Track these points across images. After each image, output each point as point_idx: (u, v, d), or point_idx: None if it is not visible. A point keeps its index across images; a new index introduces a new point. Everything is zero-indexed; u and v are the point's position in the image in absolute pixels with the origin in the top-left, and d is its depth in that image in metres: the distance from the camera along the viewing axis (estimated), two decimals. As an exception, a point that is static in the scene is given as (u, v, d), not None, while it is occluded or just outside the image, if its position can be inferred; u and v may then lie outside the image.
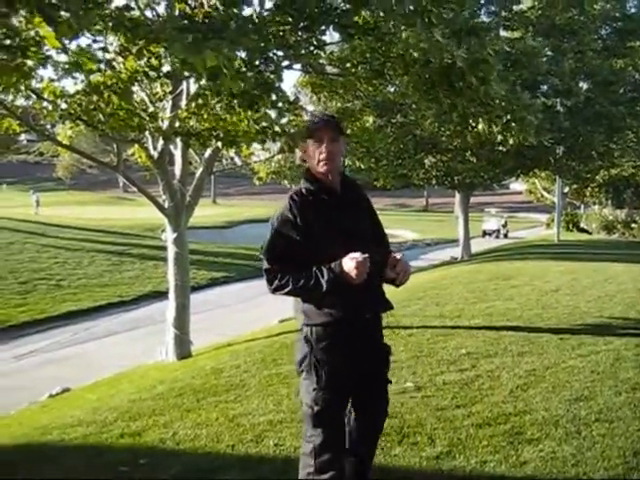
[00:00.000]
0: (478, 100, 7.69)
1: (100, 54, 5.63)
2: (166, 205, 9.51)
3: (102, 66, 5.84)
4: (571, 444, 4.22)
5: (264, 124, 7.27)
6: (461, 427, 4.55)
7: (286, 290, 2.98)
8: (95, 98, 6.38)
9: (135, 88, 7.79)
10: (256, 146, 10.47)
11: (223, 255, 23.90)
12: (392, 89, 14.67)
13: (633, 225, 28.46)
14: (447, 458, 4.06)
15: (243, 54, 6.72)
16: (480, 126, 9.17)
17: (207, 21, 5.56)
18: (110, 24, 5.01)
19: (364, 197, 3.30)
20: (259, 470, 4.04)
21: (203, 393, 5.87)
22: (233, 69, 5.61)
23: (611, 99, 21.49)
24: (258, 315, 13.44)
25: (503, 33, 20.92)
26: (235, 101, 6.69)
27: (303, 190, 3.05)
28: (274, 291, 3.03)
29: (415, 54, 7.24)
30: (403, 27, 7.32)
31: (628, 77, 22.63)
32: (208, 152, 9.85)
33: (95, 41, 5.48)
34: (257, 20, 6.24)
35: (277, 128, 7.66)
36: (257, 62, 6.48)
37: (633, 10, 25.23)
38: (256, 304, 15.67)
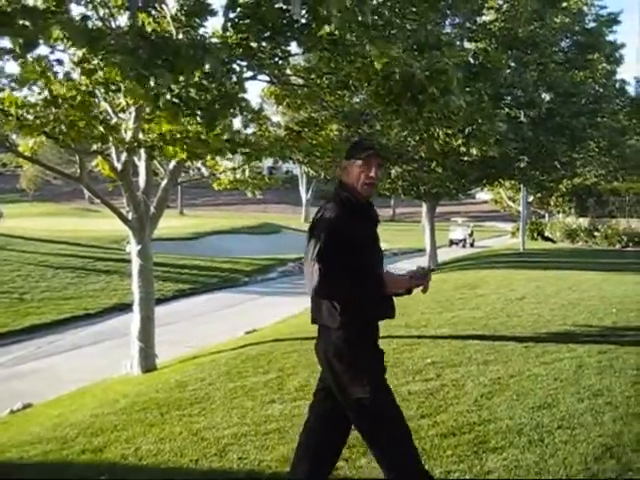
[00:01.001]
0: (439, 113, 7.74)
1: (58, 65, 5.56)
2: (130, 217, 9.41)
3: (59, 77, 5.75)
4: (534, 452, 4.25)
5: (226, 136, 7.24)
6: (426, 437, 4.55)
7: (340, 296, 3.21)
8: (54, 110, 6.28)
9: (97, 100, 7.71)
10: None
11: (190, 267, 23.71)
12: (358, 100, 14.76)
13: (596, 233, 28.91)
14: (411, 469, 4.05)
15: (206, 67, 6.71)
16: (442, 136, 9.24)
17: (161, 41, 5.51)
18: (67, 34, 4.93)
19: (379, 219, 3.57)
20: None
21: (167, 407, 5.80)
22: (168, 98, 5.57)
23: (572, 110, 21.88)
24: (224, 327, 13.35)
25: (467, 45, 21.18)
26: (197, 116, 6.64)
27: (346, 202, 3.30)
28: (327, 296, 3.23)
29: (377, 66, 7.26)
30: (365, 40, 7.35)
31: (588, 89, 23.05)
32: (172, 163, 9.77)
33: (53, 52, 5.40)
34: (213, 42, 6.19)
35: (239, 139, 7.63)
36: (219, 75, 6.43)
37: (592, 24, 25.71)
38: (222, 316, 15.59)
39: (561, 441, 4.43)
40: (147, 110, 7.89)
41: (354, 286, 3.18)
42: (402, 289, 3.29)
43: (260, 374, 6.77)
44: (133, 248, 9.61)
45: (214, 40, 7.33)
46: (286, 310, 14.43)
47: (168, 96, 5.85)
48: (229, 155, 9.00)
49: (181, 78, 6.04)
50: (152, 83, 5.13)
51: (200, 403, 5.83)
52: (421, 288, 3.35)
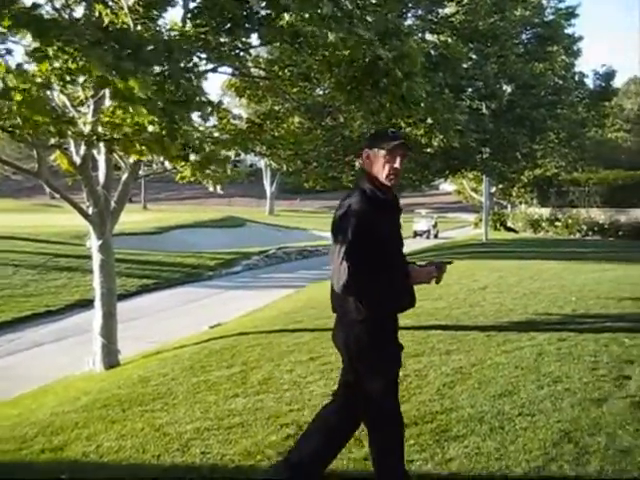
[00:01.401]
0: (401, 100, 7.76)
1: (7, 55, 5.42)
2: (90, 212, 9.27)
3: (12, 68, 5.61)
4: (495, 439, 4.32)
5: (186, 128, 7.15)
6: (388, 427, 4.57)
7: (369, 292, 3.18)
8: (7, 102, 6.14)
9: (53, 92, 7.57)
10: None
11: (153, 261, 23.46)
12: (320, 92, 14.74)
13: (557, 223, 29.37)
14: (374, 459, 4.08)
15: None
16: (404, 127, 9.28)
17: (122, 35, 5.42)
18: (15, 22, 4.80)
19: (401, 208, 3.55)
20: (184, 480, 3.98)
21: (129, 403, 5.73)
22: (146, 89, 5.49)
23: (532, 102, 22.19)
24: (189, 322, 13.24)
25: (429, 37, 21.31)
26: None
27: (371, 194, 3.25)
28: (356, 293, 3.18)
29: (339, 53, 7.27)
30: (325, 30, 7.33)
31: (548, 81, 23.38)
32: (133, 157, 9.63)
33: (4, 42, 5.27)
34: (175, 36, 6.11)
35: (198, 134, 7.57)
36: (178, 70, 6.35)
37: (551, 17, 26.09)
38: (187, 311, 15.47)
39: (521, 428, 4.51)
40: (107, 103, 7.77)
41: (381, 282, 3.16)
42: (426, 280, 3.33)
43: (224, 368, 6.74)
44: (94, 243, 9.47)
45: (173, 33, 7.25)
46: (250, 304, 14.38)
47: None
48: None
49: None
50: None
51: (162, 398, 5.78)
52: (435, 280, 3.37)
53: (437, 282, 3.38)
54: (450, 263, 3.45)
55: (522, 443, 4.24)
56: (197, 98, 6.68)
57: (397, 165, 3.27)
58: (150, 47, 5.67)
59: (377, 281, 3.15)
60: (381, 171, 3.27)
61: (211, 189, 10.83)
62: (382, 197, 3.28)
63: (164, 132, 6.60)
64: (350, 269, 3.07)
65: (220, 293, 18.29)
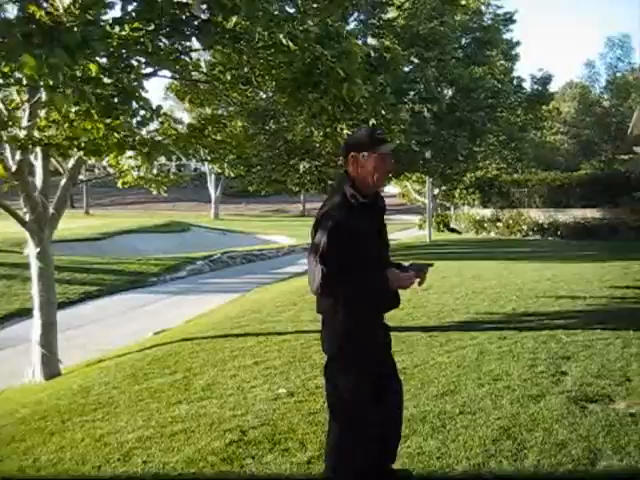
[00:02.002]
0: (342, 102, 7.81)
1: None
2: (27, 218, 9.04)
3: None
4: (437, 438, 4.38)
5: (124, 133, 7.06)
6: (332, 430, 4.59)
7: (342, 295, 3.21)
8: None
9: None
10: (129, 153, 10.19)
11: (96, 268, 23.01)
12: (263, 95, 14.73)
13: (499, 223, 29.96)
14: (318, 462, 4.08)
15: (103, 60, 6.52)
16: (345, 131, 9.34)
17: (54, 26, 5.29)
18: None
19: (385, 208, 3.60)
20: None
21: (69, 414, 5.62)
22: (74, 80, 5.39)
23: (472, 105, 22.62)
24: (133, 328, 13.03)
25: (371, 41, 21.52)
26: (92, 109, 6.44)
27: (351, 199, 3.24)
28: (329, 295, 3.21)
29: (279, 56, 7.27)
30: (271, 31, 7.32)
31: (487, 84, 23.86)
32: (72, 162, 9.45)
33: None
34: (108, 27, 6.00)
35: (140, 136, 7.46)
36: (116, 69, 6.25)
37: (490, 22, 26.67)
38: (131, 317, 15.22)
39: (462, 426, 4.59)
40: (43, 97, 7.59)
41: (356, 285, 3.19)
42: (406, 285, 3.29)
43: (166, 375, 6.66)
44: (31, 251, 9.24)
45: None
46: (195, 309, 14.24)
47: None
48: (129, 153, 8.78)
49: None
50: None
51: (104, 408, 5.68)
52: (417, 281, 3.36)
53: (420, 284, 3.39)
54: (431, 265, 3.46)
55: (463, 441, 4.31)
56: (137, 93, 6.59)
57: (389, 167, 3.35)
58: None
59: (351, 283, 3.18)
60: (371, 174, 3.26)
61: (154, 193, 10.71)
62: (362, 200, 3.26)
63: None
64: (323, 272, 3.08)
65: (165, 299, 18.06)
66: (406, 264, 3.47)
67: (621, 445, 4.13)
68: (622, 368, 5.90)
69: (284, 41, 7.13)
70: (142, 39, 7.06)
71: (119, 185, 10.12)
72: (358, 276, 3.18)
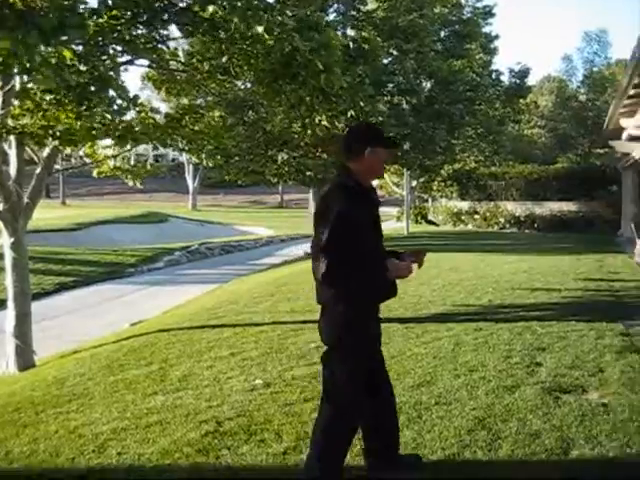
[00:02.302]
0: (320, 93, 7.79)
1: None
2: (0, 208, 8.92)
3: None
4: (412, 429, 4.40)
5: (101, 122, 6.98)
6: (308, 421, 4.58)
7: (344, 285, 3.29)
8: None
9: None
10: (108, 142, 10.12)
11: (73, 258, 22.80)
12: (242, 86, 14.64)
13: (476, 216, 30.12)
14: (294, 453, 4.10)
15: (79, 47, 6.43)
16: (324, 122, 9.31)
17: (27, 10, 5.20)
18: None
19: (379, 200, 3.73)
20: (99, 482, 3.89)
21: (43, 405, 5.56)
22: (50, 65, 5.31)
23: (451, 98, 22.65)
24: (109, 319, 12.94)
25: (350, 32, 21.49)
26: (66, 97, 6.36)
27: (355, 190, 3.36)
28: (332, 284, 3.29)
29: (258, 46, 7.23)
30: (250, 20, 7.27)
31: (466, 77, 23.90)
32: (47, 151, 9.33)
33: None
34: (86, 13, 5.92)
35: (118, 124, 7.39)
36: (92, 57, 6.18)
37: (469, 15, 26.74)
38: (107, 308, 15.10)
39: (438, 417, 4.62)
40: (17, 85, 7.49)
41: (360, 274, 3.28)
42: (405, 275, 3.36)
43: (142, 366, 6.62)
44: (5, 241, 9.12)
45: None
46: (172, 300, 14.18)
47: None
48: (106, 142, 8.70)
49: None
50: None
51: (78, 399, 5.64)
52: (416, 265, 3.46)
53: (419, 267, 3.49)
54: (426, 251, 3.62)
55: (438, 432, 4.34)
56: (114, 81, 6.52)
57: (383, 164, 3.59)
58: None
59: (356, 273, 3.27)
60: (377, 168, 3.49)
61: (131, 184, 10.62)
62: (363, 192, 3.41)
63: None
64: (329, 262, 3.18)
65: (142, 289, 17.95)
66: (401, 252, 3.58)
67: (593, 435, 4.19)
68: (595, 359, 5.97)
69: (260, 30, 7.09)
70: (119, 27, 6.99)
71: (95, 175, 9.99)
72: (361, 266, 3.28)
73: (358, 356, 3.42)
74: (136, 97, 6.99)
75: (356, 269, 3.27)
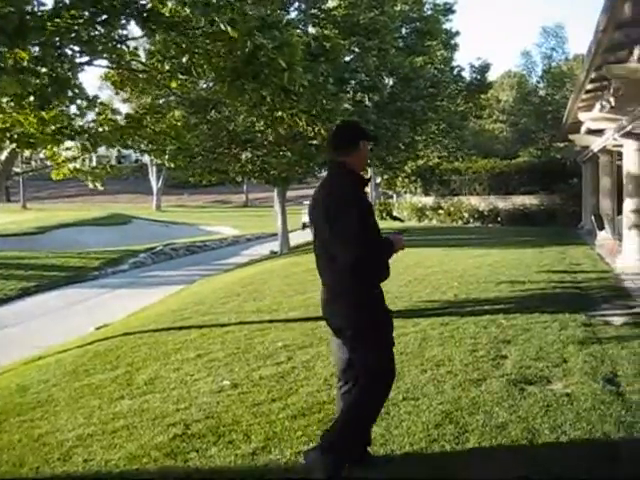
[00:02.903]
0: (282, 91, 7.77)
1: None
2: (-42, 213, 8.73)
3: None
4: (380, 425, 4.40)
5: (59, 125, 6.87)
6: (276, 420, 4.60)
7: (376, 260, 3.56)
8: None
9: None
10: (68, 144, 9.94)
11: (35, 262, 22.43)
12: (204, 85, 14.54)
13: (440, 211, 30.33)
14: (262, 453, 4.09)
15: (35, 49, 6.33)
16: (287, 119, 9.27)
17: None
18: None
19: None
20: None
21: (5, 414, 5.45)
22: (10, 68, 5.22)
23: (413, 94, 22.80)
24: (74, 324, 12.76)
25: (312, 30, 21.49)
26: (26, 100, 6.25)
27: (357, 179, 3.68)
28: (362, 270, 3.47)
29: (219, 44, 7.18)
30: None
31: (427, 74, 24.11)
32: (5, 154, 9.15)
33: None
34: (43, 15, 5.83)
35: (77, 126, 7.27)
36: (50, 58, 6.08)
37: (429, 12, 26.94)
38: (72, 312, 14.90)
39: (405, 412, 4.64)
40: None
41: (378, 256, 3.58)
42: (401, 247, 3.72)
43: (108, 370, 6.54)
44: (-36, 247, 8.94)
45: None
46: (138, 303, 14.03)
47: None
48: (67, 144, 8.55)
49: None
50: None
51: (43, 406, 5.54)
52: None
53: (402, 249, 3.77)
54: (405, 231, 3.99)
55: (406, 427, 4.36)
56: (72, 82, 6.44)
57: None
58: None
59: (377, 256, 3.57)
60: (361, 161, 3.77)
61: (91, 186, 10.46)
62: (363, 181, 3.74)
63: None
64: (360, 246, 3.43)
65: (107, 293, 17.76)
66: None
67: (558, 424, 4.25)
68: (559, 350, 6.06)
69: (223, 27, 7.04)
70: (77, 28, 6.89)
71: (53, 177, 9.81)
72: (379, 247, 3.59)
73: (390, 331, 3.73)
74: (95, 97, 6.89)
75: (376, 250, 3.55)
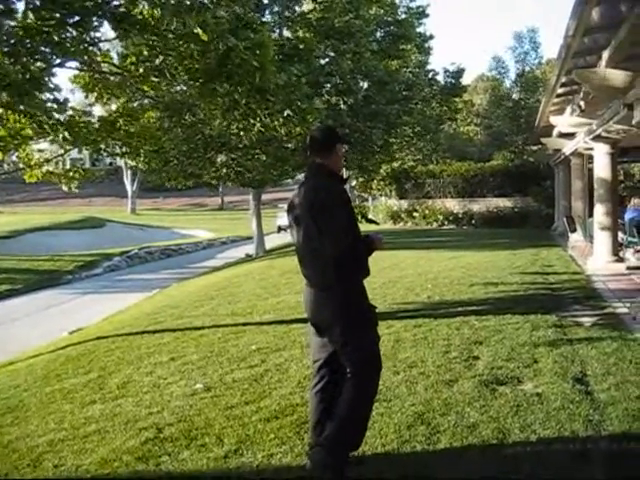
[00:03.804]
0: (257, 92, 7.78)
1: None
2: None
3: None
4: (352, 427, 4.41)
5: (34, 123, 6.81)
6: (249, 423, 4.59)
7: (361, 256, 3.74)
8: None
9: None
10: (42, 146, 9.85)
11: (6, 267, 22.15)
12: (178, 88, 14.47)
13: (415, 214, 30.46)
14: (235, 456, 4.08)
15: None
16: (258, 124, 9.28)
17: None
18: None
19: None
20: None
21: (-25, 420, 5.39)
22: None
23: (387, 98, 22.89)
24: (47, 328, 12.61)
25: (286, 33, 21.51)
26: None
27: (337, 178, 3.83)
28: (346, 264, 3.62)
29: (192, 47, 7.17)
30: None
31: (402, 77, 24.23)
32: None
33: None
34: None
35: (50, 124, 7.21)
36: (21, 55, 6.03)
37: (404, 16, 27.06)
38: (45, 317, 14.74)
39: (378, 413, 4.64)
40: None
41: (358, 253, 3.71)
42: (381, 246, 3.83)
43: (80, 375, 6.49)
44: None
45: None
46: (112, 306, 13.91)
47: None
48: (41, 146, 8.47)
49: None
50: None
51: (13, 412, 5.48)
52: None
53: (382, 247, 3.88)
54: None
55: (378, 428, 4.37)
56: (45, 79, 6.40)
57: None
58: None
59: (361, 252, 3.73)
60: (339, 162, 3.92)
61: (65, 189, 10.37)
62: (342, 180, 3.91)
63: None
64: (342, 241, 3.57)
65: (81, 297, 17.59)
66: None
67: (528, 423, 4.30)
68: (530, 350, 6.13)
69: (196, 30, 7.05)
70: (47, 29, 6.84)
71: (26, 179, 9.69)
72: (359, 245, 3.71)
73: (376, 324, 3.85)
74: (66, 100, 6.84)
75: (359, 247, 3.71)
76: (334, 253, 3.57)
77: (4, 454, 4.44)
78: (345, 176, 4.24)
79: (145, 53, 8.58)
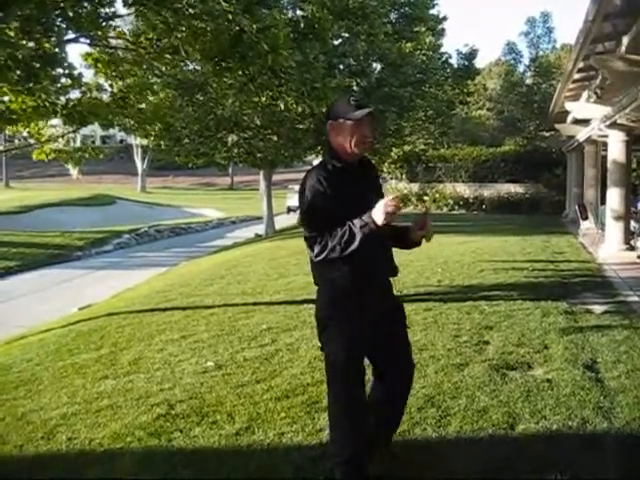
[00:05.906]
0: (270, 71, 7.76)
1: None
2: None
3: None
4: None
5: (47, 100, 6.80)
6: (260, 401, 4.62)
7: (327, 250, 3.17)
8: None
9: None
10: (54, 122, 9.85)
11: (17, 242, 22.27)
12: (191, 67, 14.43)
13: (425, 197, 30.40)
14: (246, 433, 4.11)
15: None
16: (270, 100, 9.22)
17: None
18: None
19: (376, 173, 3.70)
20: (49, 469, 3.83)
21: (-12, 393, 5.44)
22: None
23: (400, 80, 22.71)
24: (57, 304, 12.71)
25: (299, 13, 21.31)
26: (11, 74, 6.18)
27: (329, 166, 3.28)
28: (317, 256, 3.21)
29: (205, 25, 7.14)
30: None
31: (415, 60, 24.00)
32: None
33: None
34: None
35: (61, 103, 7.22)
36: (35, 32, 6.02)
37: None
38: (55, 293, 14.85)
39: (388, 395, 4.66)
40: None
41: (335, 237, 3.13)
42: (391, 208, 3.05)
43: (92, 350, 6.53)
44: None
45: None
46: (122, 283, 13.99)
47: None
48: (53, 122, 8.46)
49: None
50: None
51: (26, 385, 5.53)
52: (422, 234, 3.41)
53: (427, 239, 3.44)
54: (427, 213, 3.55)
55: (388, 409, 4.39)
56: (59, 55, 6.39)
57: (367, 134, 3.29)
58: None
59: (335, 235, 3.13)
60: (348, 140, 3.24)
61: (72, 169, 10.37)
62: (339, 166, 3.27)
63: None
64: (305, 233, 3.25)
65: (91, 273, 17.69)
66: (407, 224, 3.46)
67: (538, 409, 4.31)
68: (541, 336, 6.13)
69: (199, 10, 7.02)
70: (62, 4, 6.82)
71: (34, 157, 9.67)
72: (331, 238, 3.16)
73: (350, 333, 3.30)
74: (80, 75, 6.83)
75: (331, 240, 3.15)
76: (308, 245, 3.24)
77: (19, 426, 4.49)
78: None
79: (158, 29, 8.53)
